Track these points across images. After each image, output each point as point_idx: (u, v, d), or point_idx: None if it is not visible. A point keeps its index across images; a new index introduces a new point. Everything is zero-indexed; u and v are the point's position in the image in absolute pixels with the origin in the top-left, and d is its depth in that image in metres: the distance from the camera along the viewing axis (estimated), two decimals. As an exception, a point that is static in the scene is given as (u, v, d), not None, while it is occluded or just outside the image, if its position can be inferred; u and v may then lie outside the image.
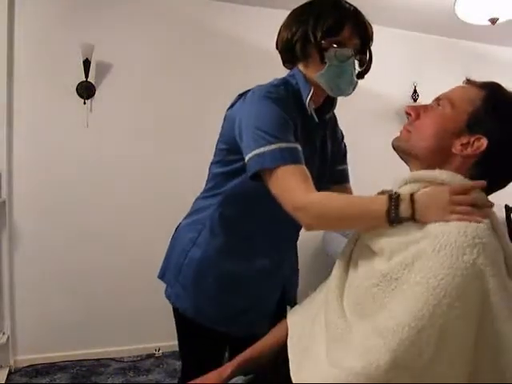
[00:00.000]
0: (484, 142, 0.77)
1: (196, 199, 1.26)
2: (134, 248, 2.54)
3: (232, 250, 1.15)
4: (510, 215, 2.75)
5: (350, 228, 1.01)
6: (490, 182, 0.79)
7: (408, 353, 0.64)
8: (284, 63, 1.16)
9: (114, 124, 2.52)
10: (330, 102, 1.20)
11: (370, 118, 3.00)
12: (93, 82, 2.44)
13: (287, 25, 1.11)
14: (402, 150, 0.86)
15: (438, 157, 0.81)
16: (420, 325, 0.64)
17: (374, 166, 2.91)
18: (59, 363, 2.43)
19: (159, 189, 2.57)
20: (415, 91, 3.04)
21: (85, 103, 2.44)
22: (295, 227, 1.18)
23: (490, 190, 0.80)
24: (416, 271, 0.69)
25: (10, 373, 2.33)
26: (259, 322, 1.16)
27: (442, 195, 0.75)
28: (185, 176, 2.57)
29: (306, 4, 1.11)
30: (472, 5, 2.20)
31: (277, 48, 1.15)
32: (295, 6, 1.14)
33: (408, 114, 0.87)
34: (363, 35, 1.09)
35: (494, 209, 0.79)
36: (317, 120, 1.13)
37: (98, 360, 2.50)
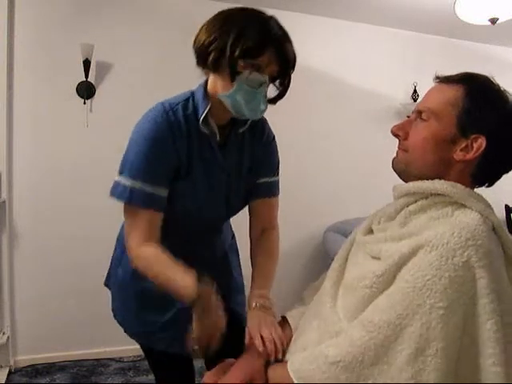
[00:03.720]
0: (483, 141, 0.75)
1: None
2: (133, 248, 2.54)
3: None
4: (510, 215, 2.75)
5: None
6: (493, 175, 0.79)
7: (392, 349, 0.66)
8: (197, 64, 1.07)
9: (113, 124, 2.52)
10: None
11: (370, 118, 3.00)
12: (93, 82, 2.44)
13: (208, 28, 0.99)
14: (405, 173, 0.84)
15: (440, 169, 0.79)
16: (404, 323, 0.66)
17: (373, 165, 2.92)
18: (59, 363, 2.43)
19: (159, 189, 2.57)
20: (415, 91, 3.04)
21: (85, 103, 2.44)
22: (212, 246, 1.20)
23: (492, 182, 0.80)
24: (407, 269, 0.69)
25: (10, 373, 2.33)
26: (180, 338, 1.03)
27: None
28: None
29: (234, 10, 1.00)
30: (472, 5, 2.20)
31: (193, 46, 1.05)
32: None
33: (396, 135, 0.84)
34: (284, 63, 0.98)
35: (495, 209, 0.79)
36: (218, 138, 1.07)
37: (98, 360, 2.50)
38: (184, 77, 2.60)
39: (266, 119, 1.20)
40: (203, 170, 1.05)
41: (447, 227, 0.70)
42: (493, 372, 0.64)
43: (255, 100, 0.98)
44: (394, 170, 0.86)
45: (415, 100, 3.04)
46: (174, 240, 1.05)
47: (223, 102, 1.00)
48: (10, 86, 2.32)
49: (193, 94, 1.08)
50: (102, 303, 2.53)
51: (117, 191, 1.02)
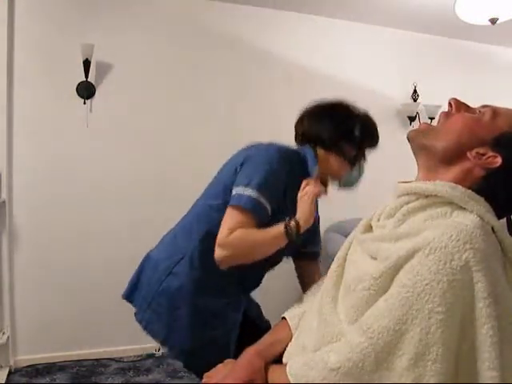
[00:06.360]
0: (498, 161, 0.76)
1: (170, 232, 1.32)
2: (133, 248, 2.53)
3: (209, 285, 1.19)
4: (510, 216, 2.75)
5: (255, 256, 1.14)
6: (498, 202, 0.78)
7: (392, 355, 0.66)
8: (302, 142, 1.29)
9: (114, 124, 2.52)
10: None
11: (370, 118, 2.99)
12: (93, 82, 2.45)
13: (322, 118, 1.26)
14: (418, 142, 0.85)
15: (451, 154, 0.80)
16: (403, 329, 0.66)
17: (373, 165, 2.92)
18: (59, 363, 2.43)
19: (159, 188, 2.57)
20: (415, 91, 3.04)
21: (85, 103, 2.44)
22: (264, 273, 1.32)
23: (501, 213, 0.80)
24: (404, 272, 0.69)
25: (10, 373, 2.33)
26: (220, 356, 1.10)
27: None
28: (184, 176, 2.57)
29: (342, 109, 1.27)
30: (472, 5, 2.20)
31: (303, 128, 1.29)
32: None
33: (450, 104, 0.85)
34: (373, 146, 1.34)
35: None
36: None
37: (97, 360, 2.50)
38: (183, 76, 2.62)
39: None
40: (287, 211, 1.18)
41: (445, 229, 0.69)
42: (488, 376, 0.63)
43: (360, 176, 1.34)
44: (408, 139, 0.86)
45: (415, 100, 3.04)
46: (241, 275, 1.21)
47: (338, 176, 1.30)
48: (10, 86, 2.33)
49: (299, 150, 1.28)
50: (103, 303, 2.54)
51: (241, 200, 1.12)
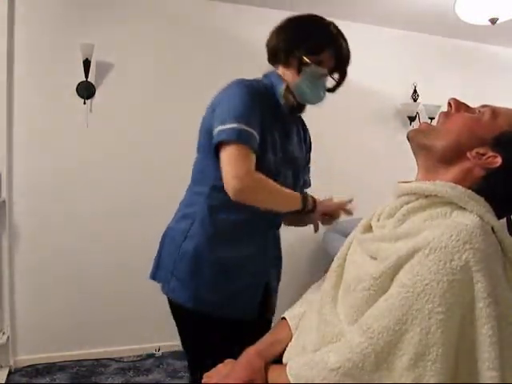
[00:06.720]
0: (498, 161, 0.76)
1: (180, 203, 1.34)
2: (134, 247, 2.54)
3: (222, 238, 1.22)
4: (510, 216, 2.75)
5: (271, 205, 1.19)
6: (498, 202, 0.78)
7: (392, 355, 0.66)
8: (268, 61, 1.31)
9: (113, 124, 2.52)
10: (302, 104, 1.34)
11: (370, 118, 3.00)
12: (93, 82, 2.44)
13: (279, 33, 1.26)
14: (418, 142, 0.85)
15: (451, 154, 0.80)
16: (403, 329, 0.66)
17: (372, 165, 2.92)
18: (59, 363, 2.43)
19: (159, 188, 2.57)
20: (415, 91, 3.04)
21: (85, 103, 2.44)
22: (279, 214, 1.30)
23: (501, 213, 0.80)
24: (404, 272, 0.69)
25: (10, 373, 2.33)
26: (250, 307, 1.26)
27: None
28: (185, 174, 2.56)
29: (299, 17, 1.26)
30: (472, 5, 2.20)
31: (266, 48, 1.30)
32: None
33: (449, 104, 0.85)
34: (340, 59, 1.24)
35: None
36: (287, 112, 1.27)
37: (97, 360, 2.50)
38: (183, 76, 2.62)
39: None
40: (274, 139, 1.22)
41: (445, 229, 0.69)
42: (488, 376, 0.63)
43: (317, 88, 1.25)
44: (408, 139, 0.86)
45: (415, 100, 3.04)
46: (248, 209, 1.18)
47: (292, 88, 1.24)
48: (10, 86, 2.32)
49: (264, 77, 1.30)
50: (103, 303, 2.54)
51: (223, 135, 1.12)
